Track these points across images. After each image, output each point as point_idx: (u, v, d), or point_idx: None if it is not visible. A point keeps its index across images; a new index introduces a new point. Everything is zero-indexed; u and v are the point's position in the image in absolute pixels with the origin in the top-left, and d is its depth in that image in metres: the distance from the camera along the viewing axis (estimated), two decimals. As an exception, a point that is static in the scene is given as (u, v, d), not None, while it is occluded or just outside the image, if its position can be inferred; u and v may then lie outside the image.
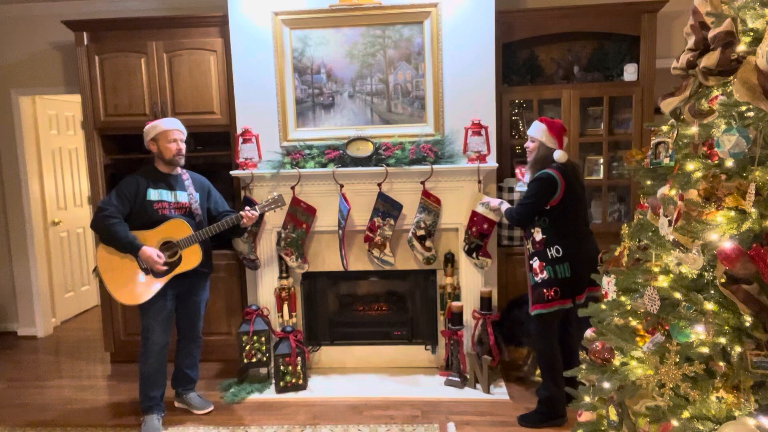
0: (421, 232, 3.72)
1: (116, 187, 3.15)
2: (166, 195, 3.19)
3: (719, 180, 1.61)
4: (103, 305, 4.26)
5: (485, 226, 3.65)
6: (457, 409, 3.37)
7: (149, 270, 3.12)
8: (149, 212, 3.13)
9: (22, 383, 4.00)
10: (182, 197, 3.23)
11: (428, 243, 3.74)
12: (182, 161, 3.24)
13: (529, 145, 3.19)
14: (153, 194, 3.16)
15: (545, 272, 3.06)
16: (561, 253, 3.04)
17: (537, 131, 3.13)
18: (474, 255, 3.72)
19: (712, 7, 1.66)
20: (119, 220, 3.06)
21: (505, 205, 3.36)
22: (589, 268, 3.02)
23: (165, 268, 3.10)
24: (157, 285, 3.12)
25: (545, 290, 3.04)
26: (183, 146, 3.23)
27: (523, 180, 3.43)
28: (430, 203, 3.69)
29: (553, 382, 3.09)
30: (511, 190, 3.88)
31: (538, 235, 3.08)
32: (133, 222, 3.11)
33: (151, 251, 3.06)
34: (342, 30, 3.76)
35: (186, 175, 3.31)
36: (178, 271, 3.15)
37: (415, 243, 3.73)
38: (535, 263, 3.10)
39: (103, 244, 3.12)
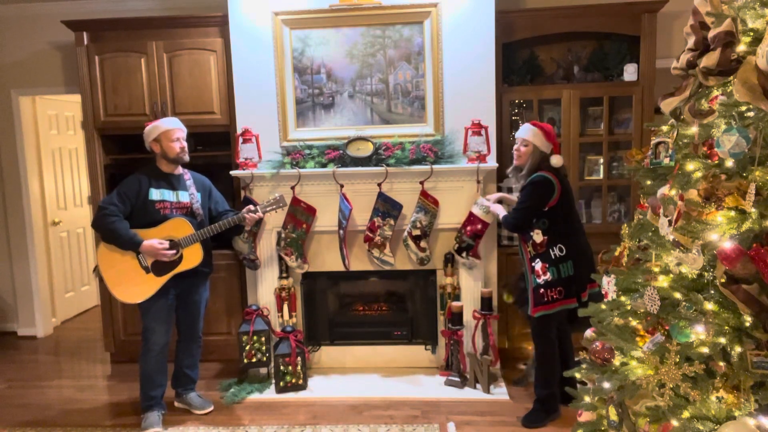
0: (417, 232, 3.71)
1: (118, 187, 3.15)
2: (167, 195, 3.19)
3: (719, 180, 1.61)
4: (103, 305, 4.26)
5: (479, 227, 3.65)
6: (457, 409, 3.37)
7: (150, 268, 3.12)
8: (151, 212, 3.14)
9: (22, 383, 4.00)
10: (184, 197, 3.24)
11: (423, 243, 3.73)
12: (186, 157, 3.25)
13: (520, 148, 3.12)
14: (155, 194, 3.16)
15: (549, 273, 3.04)
16: (564, 251, 3.03)
17: (530, 134, 3.08)
18: (464, 254, 3.70)
19: (712, 7, 1.66)
20: (120, 218, 3.06)
21: (503, 213, 3.30)
22: (589, 264, 3.06)
23: (171, 252, 3.10)
24: (157, 284, 3.12)
25: (548, 291, 3.03)
26: (185, 144, 3.25)
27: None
28: (428, 203, 3.69)
29: (552, 380, 3.11)
30: (510, 190, 3.88)
31: (539, 237, 3.06)
32: (135, 221, 3.11)
33: (152, 241, 3.06)
34: (342, 30, 3.76)
35: (187, 175, 3.32)
36: (179, 269, 3.15)
37: (410, 243, 3.73)
38: (537, 265, 3.07)
39: (104, 243, 3.12)
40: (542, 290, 3.05)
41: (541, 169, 3.05)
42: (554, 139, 3.10)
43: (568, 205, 3.10)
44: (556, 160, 3.06)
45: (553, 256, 3.04)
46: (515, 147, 3.17)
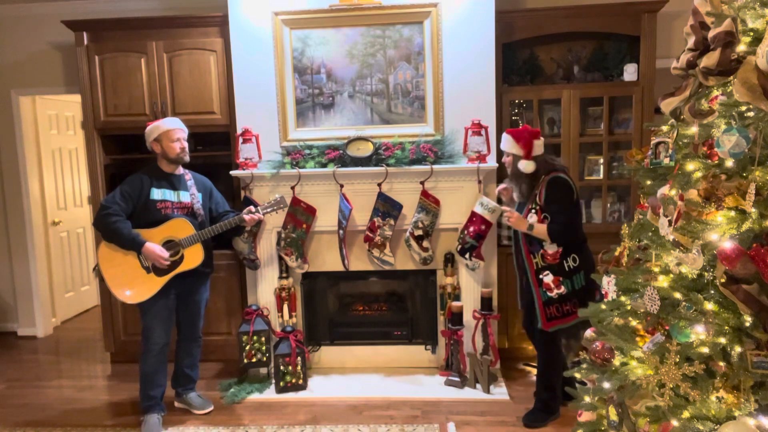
0: (419, 232, 3.71)
1: (120, 186, 3.16)
2: (169, 195, 3.20)
3: (719, 180, 1.61)
4: (103, 305, 4.26)
5: (483, 227, 3.63)
6: (457, 409, 3.37)
7: (151, 268, 3.12)
8: (152, 211, 3.14)
9: (22, 383, 4.00)
10: (185, 197, 3.24)
11: (425, 243, 3.73)
12: (187, 158, 3.26)
13: (504, 159, 3.13)
14: (156, 193, 3.17)
15: (563, 287, 2.95)
16: (577, 261, 2.96)
17: (506, 144, 3.06)
18: (467, 256, 3.67)
19: (712, 7, 1.66)
20: (122, 217, 3.07)
21: (535, 230, 2.96)
22: (594, 271, 3.03)
23: (168, 262, 3.10)
24: (158, 284, 3.12)
25: (563, 305, 2.95)
26: (186, 144, 3.25)
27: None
28: (429, 203, 3.69)
29: (556, 383, 3.11)
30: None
31: (552, 248, 2.95)
32: (136, 221, 3.12)
33: (154, 247, 3.06)
34: (342, 30, 3.76)
35: (188, 176, 3.33)
36: (179, 270, 3.16)
37: (413, 243, 3.73)
38: (548, 278, 2.97)
39: (106, 242, 3.12)
40: (556, 305, 2.97)
41: (553, 171, 2.98)
42: (525, 141, 2.98)
43: (579, 210, 3.06)
44: (523, 166, 2.96)
45: (566, 268, 2.95)
46: (502, 159, 3.16)
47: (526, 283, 3.13)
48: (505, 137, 3.07)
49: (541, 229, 2.94)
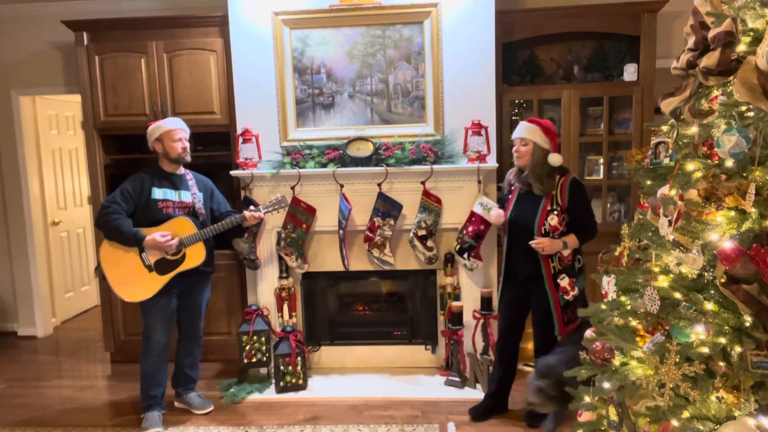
0: (423, 232, 3.71)
1: (121, 186, 3.16)
2: (170, 194, 3.21)
3: (719, 180, 1.61)
4: (103, 305, 4.26)
5: (482, 227, 3.63)
6: (457, 409, 3.36)
7: (153, 267, 3.12)
8: (153, 211, 3.15)
9: (22, 383, 4.01)
10: (186, 197, 3.25)
11: (429, 243, 3.73)
12: (188, 158, 3.27)
13: (520, 148, 2.96)
14: (158, 193, 3.18)
15: (576, 288, 2.95)
16: (581, 262, 2.99)
17: (529, 132, 2.93)
18: (465, 255, 3.66)
19: (712, 7, 1.66)
20: (122, 215, 3.08)
21: (570, 245, 2.94)
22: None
23: (174, 242, 3.10)
24: (160, 282, 3.13)
25: (575, 308, 2.94)
26: (187, 144, 3.26)
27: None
28: (431, 203, 3.69)
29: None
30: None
31: (569, 249, 2.94)
32: (138, 220, 3.12)
33: (154, 235, 3.06)
34: (342, 30, 3.76)
35: (189, 176, 3.33)
36: (181, 268, 3.16)
37: (417, 243, 3.73)
38: (564, 281, 2.95)
39: (107, 241, 3.12)
40: (572, 308, 2.96)
41: (551, 169, 2.94)
42: (554, 136, 2.97)
43: None
44: (554, 159, 2.91)
45: (576, 269, 2.98)
46: (514, 148, 3.01)
47: (525, 290, 3.08)
48: (531, 126, 2.94)
49: (573, 241, 2.95)
